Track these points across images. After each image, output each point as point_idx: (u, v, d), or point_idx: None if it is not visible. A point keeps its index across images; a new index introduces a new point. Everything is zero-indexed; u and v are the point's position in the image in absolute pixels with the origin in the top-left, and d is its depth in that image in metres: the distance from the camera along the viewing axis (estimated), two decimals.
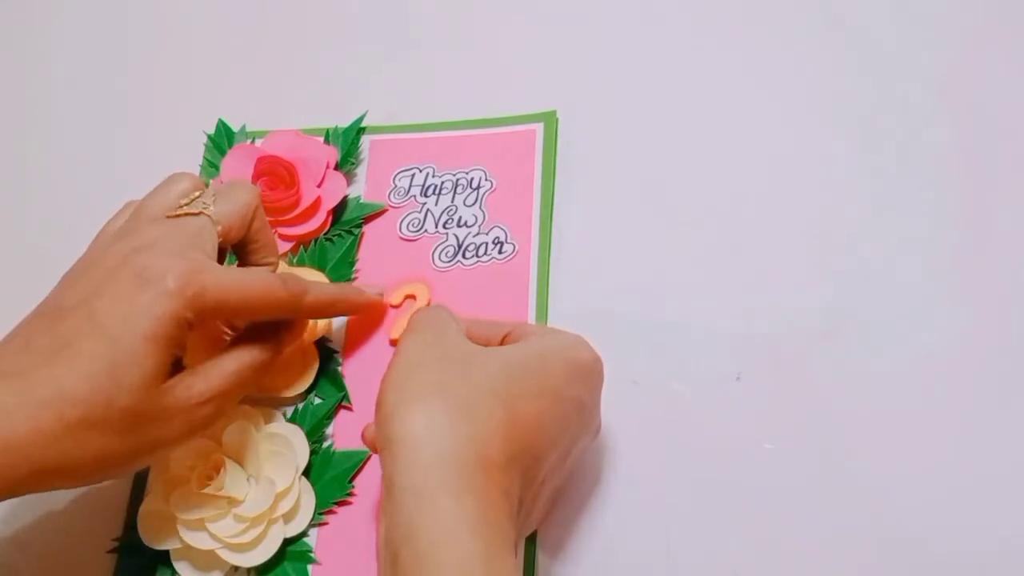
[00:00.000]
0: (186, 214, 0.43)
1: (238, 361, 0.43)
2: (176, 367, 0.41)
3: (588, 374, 0.41)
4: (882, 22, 0.56)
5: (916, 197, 0.51)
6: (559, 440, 0.38)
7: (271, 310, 0.44)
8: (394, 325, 0.50)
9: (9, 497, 0.37)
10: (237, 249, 0.47)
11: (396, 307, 0.51)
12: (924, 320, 0.48)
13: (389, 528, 0.34)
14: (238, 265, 0.48)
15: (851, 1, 0.57)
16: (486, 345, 0.41)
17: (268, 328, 0.45)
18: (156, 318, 0.39)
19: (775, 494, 0.45)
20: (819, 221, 0.51)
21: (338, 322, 0.51)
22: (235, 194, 0.45)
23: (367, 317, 0.51)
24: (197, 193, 0.44)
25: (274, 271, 0.47)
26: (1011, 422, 0.45)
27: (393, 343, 0.50)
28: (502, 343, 0.42)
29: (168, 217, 0.43)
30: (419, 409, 0.35)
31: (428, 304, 0.51)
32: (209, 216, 0.43)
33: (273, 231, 0.48)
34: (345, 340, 0.51)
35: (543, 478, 0.38)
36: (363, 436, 0.43)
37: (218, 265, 0.42)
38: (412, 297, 0.51)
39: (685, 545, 0.44)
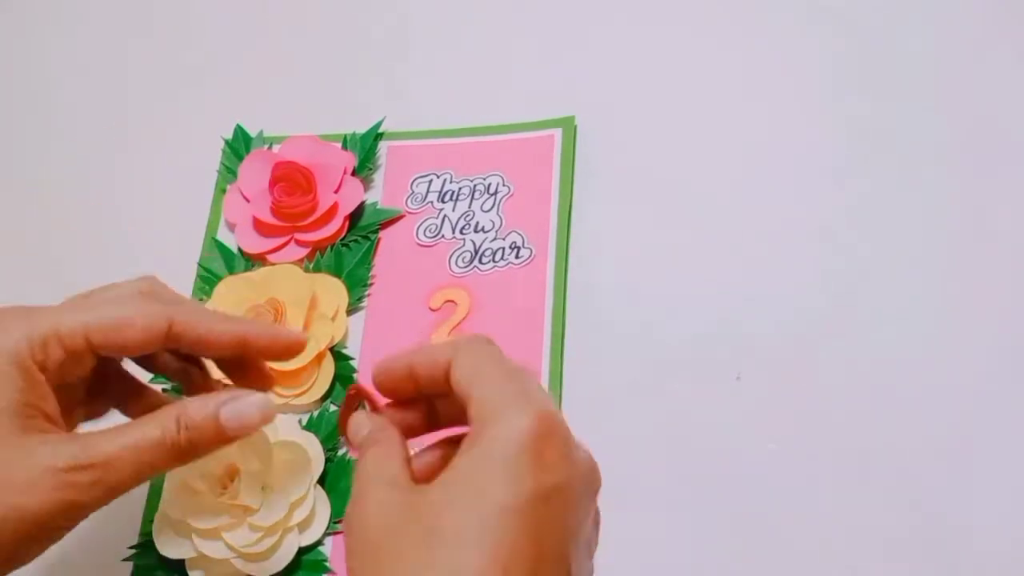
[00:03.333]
0: None
1: (140, 433, 0.37)
2: (49, 422, 0.37)
3: (540, 452, 0.32)
4: (884, 22, 0.56)
5: (916, 197, 0.51)
6: (542, 558, 0.31)
7: (138, 330, 0.38)
8: (435, 332, 0.50)
9: None
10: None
11: (435, 311, 0.51)
12: (924, 319, 0.48)
13: None
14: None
15: (854, 4, 0.57)
16: (433, 384, 0.35)
17: (195, 405, 0.38)
18: None
19: (775, 494, 0.44)
20: (820, 221, 0.51)
21: (353, 328, 0.51)
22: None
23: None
24: None
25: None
26: (1012, 420, 0.45)
27: None
28: (448, 374, 0.35)
29: None
30: None
31: (466, 311, 0.50)
32: None
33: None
34: (362, 346, 0.51)
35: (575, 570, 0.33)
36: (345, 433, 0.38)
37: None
38: (452, 302, 0.51)
39: (685, 545, 0.44)
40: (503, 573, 0.30)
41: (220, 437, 0.38)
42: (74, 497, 0.36)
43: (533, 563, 0.31)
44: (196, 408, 0.37)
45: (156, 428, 0.37)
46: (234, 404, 0.38)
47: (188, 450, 0.37)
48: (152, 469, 0.37)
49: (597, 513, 0.36)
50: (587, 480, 0.34)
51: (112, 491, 0.36)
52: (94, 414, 0.42)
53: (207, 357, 0.42)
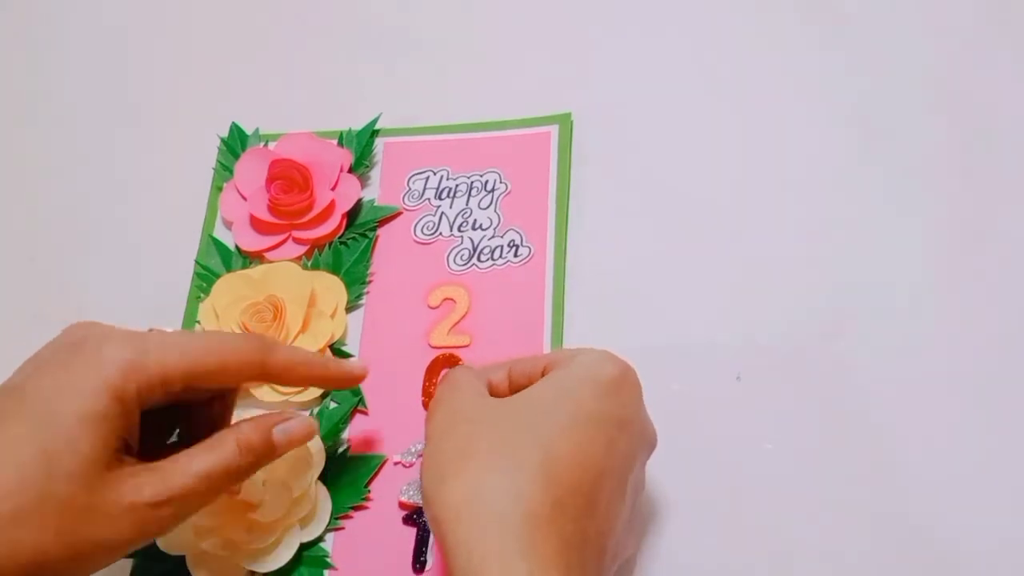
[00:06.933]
0: None
1: (209, 461, 0.38)
2: (130, 452, 0.37)
3: (619, 387, 0.38)
4: (884, 23, 0.57)
5: (916, 197, 0.51)
6: (608, 467, 0.36)
7: (233, 372, 0.39)
8: (433, 331, 0.50)
9: None
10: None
11: (434, 308, 0.51)
12: (924, 319, 0.48)
13: None
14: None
15: (855, 4, 0.58)
16: (528, 382, 0.40)
17: (249, 428, 0.40)
18: (90, 393, 0.35)
19: (775, 494, 0.45)
20: (820, 221, 0.51)
21: (352, 326, 0.51)
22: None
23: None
24: None
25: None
26: (1012, 420, 0.45)
27: (433, 347, 0.50)
28: (543, 375, 0.41)
29: None
30: (454, 482, 0.35)
31: (466, 309, 0.50)
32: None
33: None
34: (361, 343, 0.51)
35: (605, 508, 0.36)
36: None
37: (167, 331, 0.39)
38: (451, 300, 0.51)
39: (685, 545, 0.44)
40: (579, 467, 0.35)
41: (271, 456, 0.40)
42: (154, 530, 0.37)
43: (600, 470, 0.36)
44: (252, 430, 0.40)
45: (221, 456, 0.38)
46: (285, 424, 0.41)
47: (247, 472, 0.40)
48: (218, 495, 0.39)
49: (644, 480, 0.40)
50: (649, 433, 0.40)
51: (184, 520, 0.38)
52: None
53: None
